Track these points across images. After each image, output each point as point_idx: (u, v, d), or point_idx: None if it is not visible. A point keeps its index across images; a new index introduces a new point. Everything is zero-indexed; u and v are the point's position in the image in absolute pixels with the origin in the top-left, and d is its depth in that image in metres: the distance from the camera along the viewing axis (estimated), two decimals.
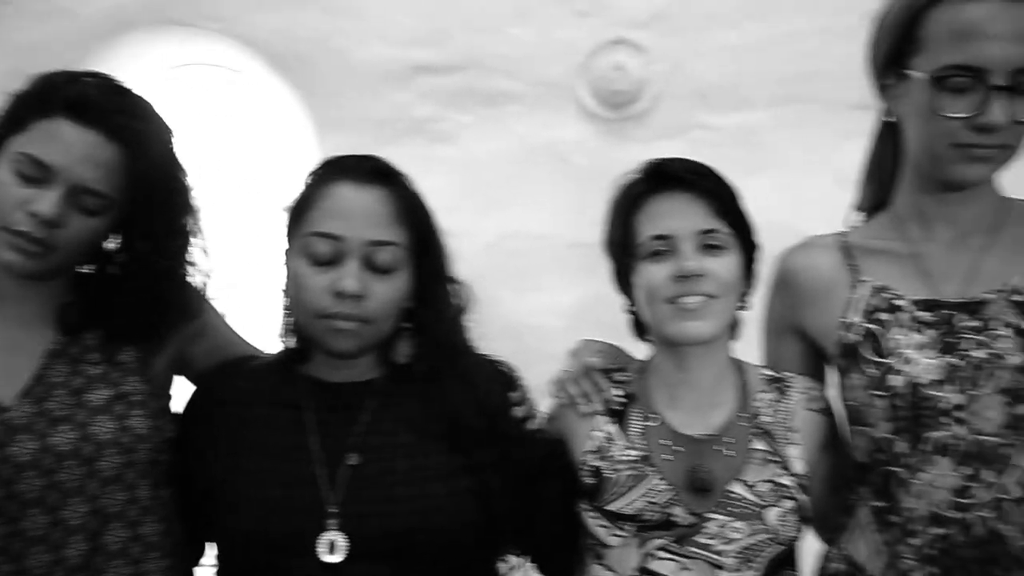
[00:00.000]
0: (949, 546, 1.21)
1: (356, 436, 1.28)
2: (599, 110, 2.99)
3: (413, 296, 1.31)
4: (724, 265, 1.29)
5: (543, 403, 1.43)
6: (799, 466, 1.31)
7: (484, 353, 1.38)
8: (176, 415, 1.37)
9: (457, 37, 3.01)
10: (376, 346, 1.31)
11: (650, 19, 2.96)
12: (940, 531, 1.21)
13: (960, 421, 1.20)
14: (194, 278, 1.37)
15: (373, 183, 1.28)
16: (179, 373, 1.42)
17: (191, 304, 1.37)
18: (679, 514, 1.28)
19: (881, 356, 1.26)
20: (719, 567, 1.26)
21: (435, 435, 1.29)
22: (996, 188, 1.30)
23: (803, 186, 2.68)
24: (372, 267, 1.25)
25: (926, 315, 1.26)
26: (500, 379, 1.37)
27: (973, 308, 1.24)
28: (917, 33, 1.23)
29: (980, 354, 1.21)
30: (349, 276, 1.23)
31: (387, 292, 1.26)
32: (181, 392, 1.40)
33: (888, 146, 1.36)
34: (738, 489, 1.28)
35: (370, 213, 1.26)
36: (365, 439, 1.28)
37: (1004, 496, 1.19)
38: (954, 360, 1.22)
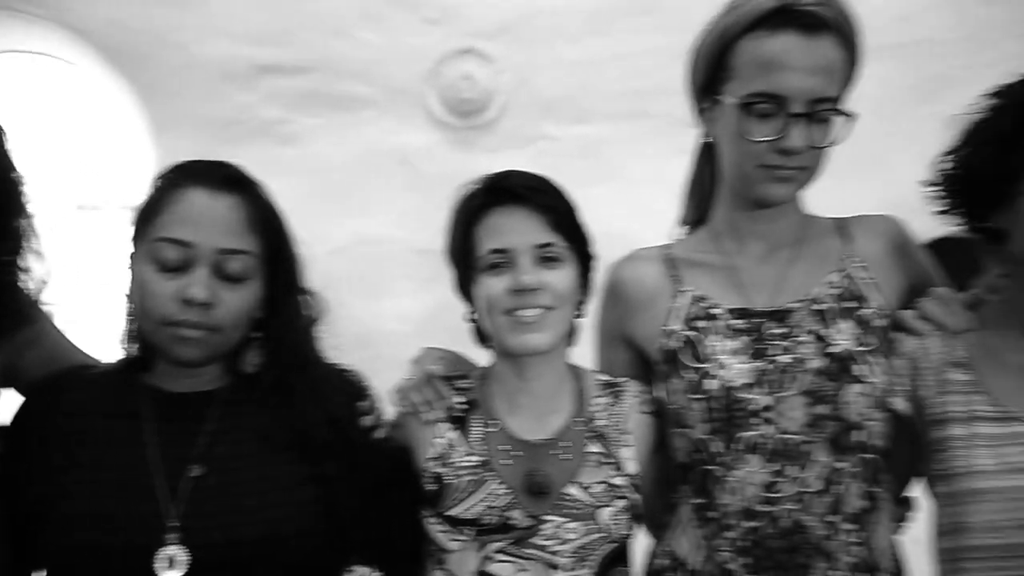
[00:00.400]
0: (759, 538, 1.30)
1: (199, 447, 1.25)
2: (447, 118, 3.03)
3: (264, 306, 1.29)
4: (561, 278, 1.34)
5: (391, 410, 1.44)
6: (632, 467, 1.38)
7: (333, 362, 1.37)
8: (3, 429, 1.30)
9: (304, 38, 2.97)
10: (223, 355, 1.29)
11: (498, 30, 3.02)
12: (752, 524, 1.30)
13: (768, 421, 1.30)
14: (27, 284, 1.31)
15: (226, 190, 1.26)
16: (8, 385, 1.34)
17: (22, 311, 1.31)
18: (517, 517, 1.32)
19: (699, 361, 1.34)
20: (554, 567, 1.31)
21: (282, 445, 1.27)
22: (800, 206, 1.41)
23: (641, 198, 2.80)
24: (222, 275, 1.23)
25: (739, 323, 1.35)
26: (349, 388, 1.37)
27: (780, 316, 1.34)
28: (728, 62, 1.33)
29: (785, 359, 1.31)
30: (197, 284, 1.21)
31: (236, 301, 1.25)
32: (10, 405, 1.33)
33: (707, 165, 1.45)
34: (574, 491, 1.33)
35: (222, 220, 1.24)
36: (209, 449, 1.25)
37: (806, 490, 1.29)
38: (763, 364, 1.31)
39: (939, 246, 1.44)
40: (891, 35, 2.99)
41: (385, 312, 2.97)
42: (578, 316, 1.41)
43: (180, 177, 1.28)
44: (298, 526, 1.24)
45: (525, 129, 2.97)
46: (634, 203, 2.73)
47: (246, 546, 1.21)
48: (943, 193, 1.27)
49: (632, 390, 1.43)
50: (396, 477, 1.36)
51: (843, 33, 1.30)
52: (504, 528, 1.32)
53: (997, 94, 1.22)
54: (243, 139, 2.89)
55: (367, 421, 1.36)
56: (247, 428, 1.28)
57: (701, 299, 1.39)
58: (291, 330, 1.32)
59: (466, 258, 1.36)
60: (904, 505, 1.42)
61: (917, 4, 3.07)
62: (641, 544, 1.45)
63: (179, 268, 1.22)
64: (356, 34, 2.99)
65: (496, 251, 1.33)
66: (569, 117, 2.99)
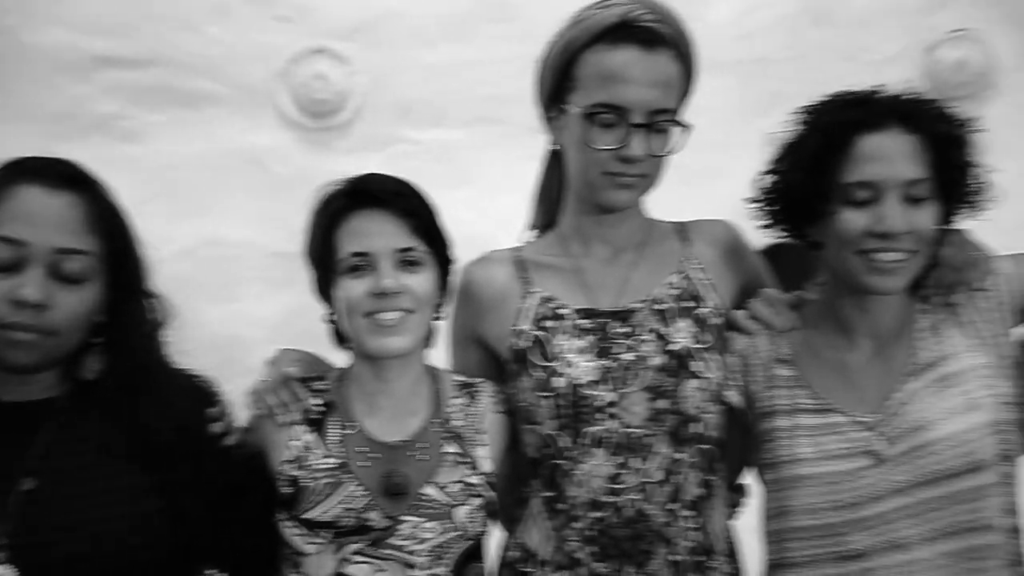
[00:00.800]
0: (605, 527, 1.36)
1: (32, 459, 1.19)
2: (300, 118, 2.98)
3: (104, 309, 1.24)
4: (420, 281, 1.35)
5: (245, 414, 1.42)
6: (487, 465, 1.41)
7: (181, 368, 1.34)
8: None
9: (147, 30, 2.86)
10: (59, 361, 1.23)
11: (353, 31, 3.00)
12: (598, 514, 1.36)
13: (613, 416, 1.36)
14: None
15: (64, 187, 1.20)
16: None
17: None
18: (374, 518, 1.32)
19: (547, 360, 1.39)
20: (411, 566, 1.33)
21: (124, 455, 1.23)
22: (642, 211, 1.49)
23: (495, 202, 2.85)
24: (58, 276, 1.18)
25: (585, 322, 1.41)
26: (197, 394, 1.34)
27: (624, 316, 1.40)
28: (572, 73, 1.39)
29: (629, 356, 1.37)
30: (30, 284, 1.16)
31: (74, 303, 1.19)
32: None
33: (554, 172, 1.51)
34: (430, 491, 1.35)
35: (58, 219, 1.19)
36: (43, 461, 1.20)
37: (648, 480, 1.36)
38: (608, 362, 1.37)
39: (776, 251, 1.54)
40: (732, 52, 3.17)
41: (237, 316, 2.89)
42: (436, 318, 1.43)
43: (13, 174, 1.22)
44: (143, 538, 1.21)
45: (381, 132, 2.96)
46: (489, 207, 2.78)
47: (84, 562, 1.16)
48: (763, 209, 1.36)
49: (487, 390, 1.46)
50: (248, 483, 1.34)
51: (680, 49, 1.38)
52: (361, 530, 1.32)
53: (807, 115, 1.31)
54: (78, 134, 2.74)
55: (217, 427, 1.33)
56: (86, 438, 1.23)
57: (549, 300, 1.43)
58: (134, 334, 1.27)
59: (326, 260, 1.36)
60: (738, 492, 1.52)
61: (755, 25, 3.26)
62: (495, 538, 1.48)
63: (11, 268, 1.17)
64: (203, 28, 2.90)
65: (357, 254, 1.33)
66: (426, 121, 3.01)
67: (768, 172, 1.34)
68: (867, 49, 3.17)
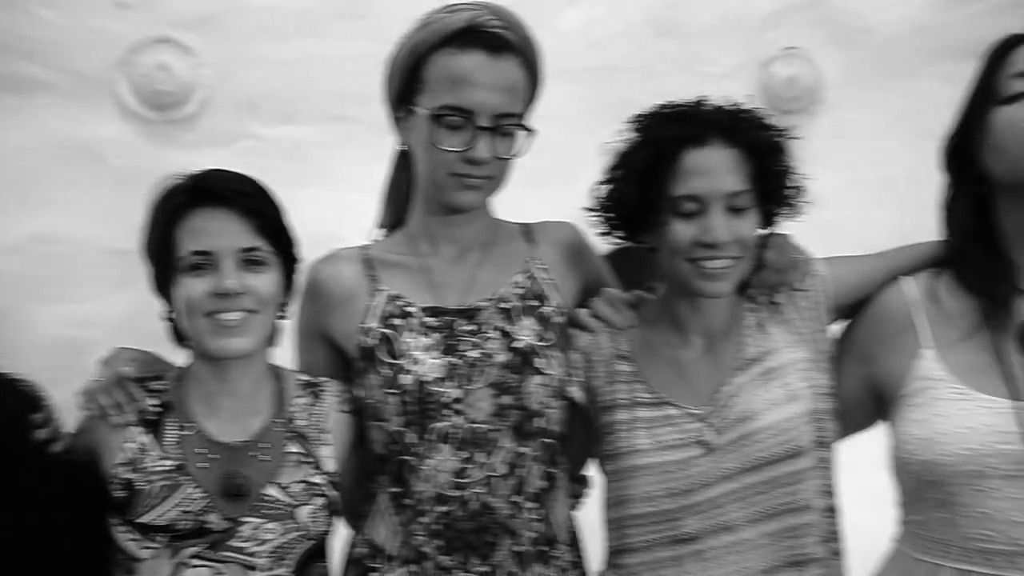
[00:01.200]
0: (451, 521, 1.39)
1: None
2: (141, 110, 2.86)
3: None
4: (264, 281, 1.33)
5: (77, 415, 1.36)
6: (331, 465, 1.40)
7: (2, 372, 1.27)
8: None
9: None
10: None
11: (199, 22, 2.90)
12: (444, 508, 1.39)
13: (458, 412, 1.39)
14: None
15: None
16: None
17: None
18: (214, 520, 1.30)
19: (394, 357, 1.40)
20: (252, 568, 1.31)
21: None
22: (489, 212, 1.52)
23: (347, 201, 2.82)
24: None
25: (432, 320, 1.43)
26: (19, 400, 1.27)
27: (470, 314, 1.43)
28: (420, 75, 1.41)
29: (474, 354, 1.40)
30: None
31: None
32: None
33: (403, 172, 1.52)
34: (272, 492, 1.34)
35: None
36: None
37: (493, 474, 1.39)
38: (454, 359, 1.40)
39: (621, 252, 1.61)
40: (581, 60, 3.26)
41: (72, 317, 2.74)
42: (281, 318, 1.41)
43: None
44: None
45: (228, 126, 2.88)
46: (340, 206, 2.74)
47: None
48: (600, 217, 1.42)
49: (332, 389, 1.45)
50: (77, 489, 1.28)
51: (526, 56, 1.42)
52: (199, 532, 1.29)
53: (637, 127, 1.38)
54: None
55: (41, 434, 1.27)
56: None
57: (397, 298, 1.45)
58: None
59: (165, 258, 1.33)
60: (580, 483, 1.57)
61: (603, 34, 3.37)
62: (341, 536, 1.48)
63: None
64: (33, 11, 2.74)
65: (198, 253, 1.30)
66: (274, 117, 2.95)
67: (603, 183, 1.40)
68: (708, 61, 3.34)
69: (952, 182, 1.35)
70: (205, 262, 1.30)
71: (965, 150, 1.31)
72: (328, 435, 1.42)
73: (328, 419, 1.43)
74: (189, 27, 2.88)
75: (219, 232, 1.31)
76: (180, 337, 1.39)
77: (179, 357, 1.42)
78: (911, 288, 1.36)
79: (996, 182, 1.28)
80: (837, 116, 3.40)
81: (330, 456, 1.41)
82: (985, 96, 1.28)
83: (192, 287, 1.30)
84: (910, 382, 1.29)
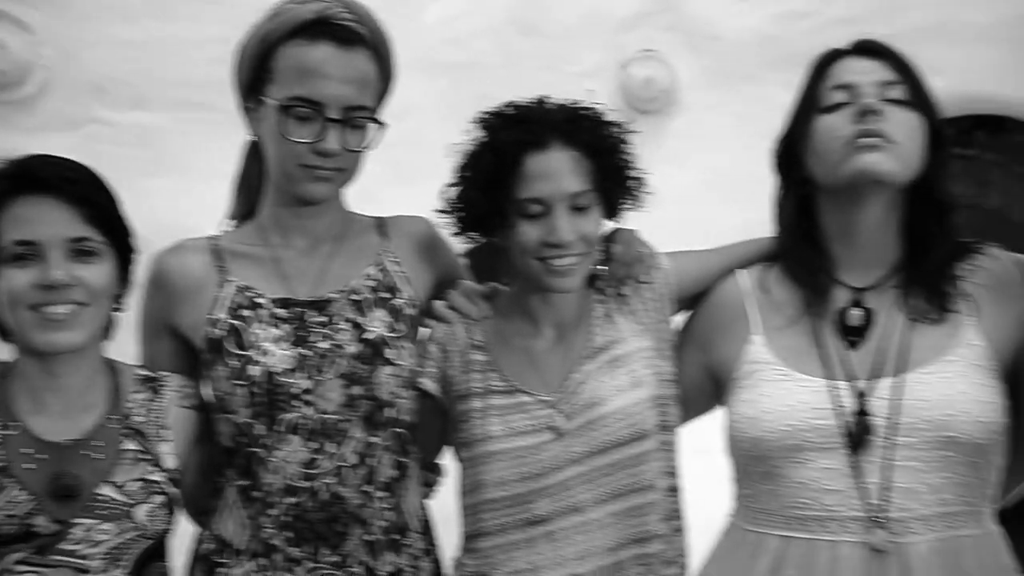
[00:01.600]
0: (301, 512, 1.39)
1: None
2: None
3: None
4: (95, 273, 1.29)
5: None
6: (171, 461, 1.37)
7: None
8: None
9: None
10: None
11: None
12: (293, 500, 1.39)
13: (308, 403, 1.39)
14: None
15: None
16: None
17: None
18: (41, 523, 1.25)
19: (243, 349, 1.39)
20: (84, 571, 1.26)
21: None
22: (342, 204, 1.52)
23: (201, 191, 2.74)
24: None
25: (282, 312, 1.42)
26: None
27: (321, 306, 1.43)
28: (270, 65, 1.40)
29: (325, 345, 1.41)
30: None
31: None
32: None
33: (254, 162, 1.50)
34: (107, 491, 1.30)
35: None
36: None
37: (343, 464, 1.40)
38: (304, 351, 1.40)
39: (482, 245, 1.63)
40: (445, 55, 3.28)
41: None
42: (116, 310, 1.37)
43: None
44: None
45: (72, 110, 2.74)
46: (193, 196, 2.66)
47: None
48: (451, 218, 1.45)
49: (172, 384, 1.42)
50: None
51: (377, 50, 1.43)
52: (26, 537, 1.24)
53: (481, 129, 1.41)
54: None
55: None
56: None
57: (246, 289, 1.43)
58: None
59: None
60: (433, 472, 1.59)
61: (466, 29, 3.40)
62: (184, 534, 1.45)
63: None
64: None
65: (21, 243, 1.26)
66: (123, 102, 2.82)
67: (451, 185, 1.43)
68: (569, 61, 3.41)
69: (781, 183, 1.45)
70: (29, 252, 1.25)
71: (792, 154, 1.41)
72: (168, 431, 1.39)
73: (168, 415, 1.40)
74: (26, 2, 2.71)
75: (44, 221, 1.26)
76: (3, 332, 1.33)
77: (2, 352, 1.36)
78: (744, 280, 1.45)
79: (818, 184, 1.38)
80: (691, 117, 3.54)
81: (170, 452, 1.38)
82: (808, 105, 1.38)
83: (15, 279, 1.25)
84: (741, 365, 1.38)
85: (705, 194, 3.30)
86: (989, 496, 1.32)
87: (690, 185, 3.33)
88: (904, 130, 1.32)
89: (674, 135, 3.53)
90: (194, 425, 1.43)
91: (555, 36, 3.51)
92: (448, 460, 1.55)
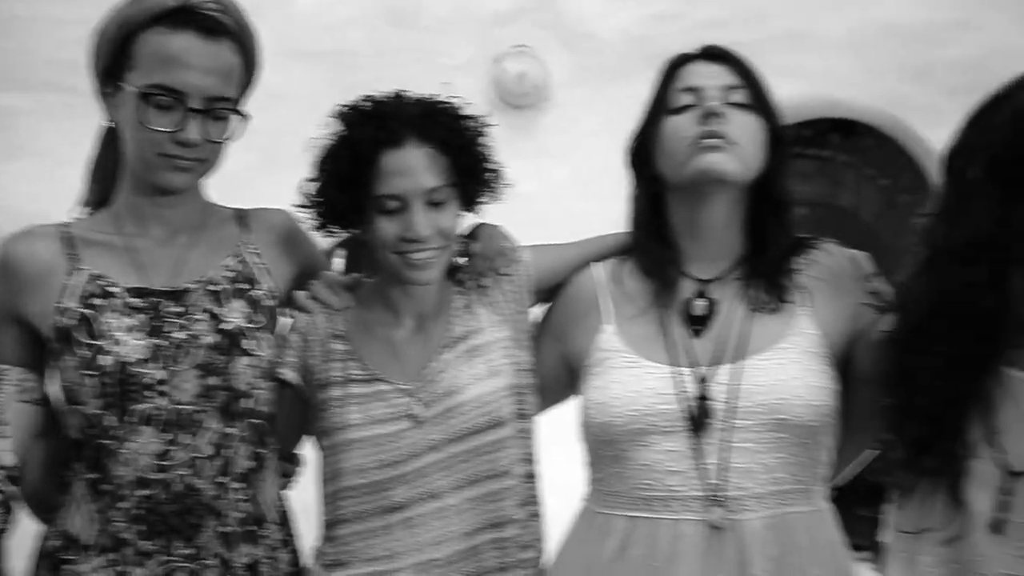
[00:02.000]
0: (153, 504, 1.37)
1: None
2: None
3: None
4: None
5: None
6: (9, 458, 1.34)
7: None
8: None
9: None
10: None
11: None
12: (145, 492, 1.37)
13: (163, 394, 1.37)
14: None
15: None
16: None
17: None
18: None
19: (93, 338, 1.36)
20: None
21: None
22: (202, 194, 1.51)
23: (57, 176, 2.63)
24: None
25: (137, 301, 1.40)
26: None
27: (177, 296, 1.42)
28: (130, 51, 1.37)
29: (181, 335, 1.40)
30: None
31: None
32: None
33: (111, 148, 1.47)
34: None
35: None
36: None
37: (198, 455, 1.39)
38: (159, 341, 1.38)
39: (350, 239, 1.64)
40: (318, 43, 3.25)
41: None
42: None
43: None
44: None
45: None
46: (49, 181, 2.56)
47: None
48: (310, 213, 1.46)
49: (11, 378, 1.39)
50: None
51: (241, 41, 1.43)
52: None
53: (337, 124, 1.42)
54: None
55: None
56: None
57: (98, 277, 1.40)
58: None
59: None
60: (291, 462, 1.60)
61: (339, 18, 3.37)
62: (26, 532, 1.41)
63: None
64: None
65: None
66: None
67: (310, 180, 1.44)
68: (442, 53, 3.44)
69: (634, 180, 1.52)
70: None
71: (643, 153, 1.48)
72: (6, 428, 1.35)
73: (6, 410, 1.36)
74: None
75: None
76: None
77: None
78: (599, 272, 1.52)
79: (666, 182, 1.45)
80: (562, 113, 3.63)
81: (7, 450, 1.34)
82: (658, 106, 1.45)
83: None
84: (593, 354, 1.45)
85: (576, 189, 3.40)
86: (820, 475, 1.41)
87: (561, 180, 3.42)
88: (745, 132, 1.40)
89: (545, 130, 3.61)
90: (36, 419, 1.39)
91: (429, 29, 3.54)
92: (307, 450, 1.56)
